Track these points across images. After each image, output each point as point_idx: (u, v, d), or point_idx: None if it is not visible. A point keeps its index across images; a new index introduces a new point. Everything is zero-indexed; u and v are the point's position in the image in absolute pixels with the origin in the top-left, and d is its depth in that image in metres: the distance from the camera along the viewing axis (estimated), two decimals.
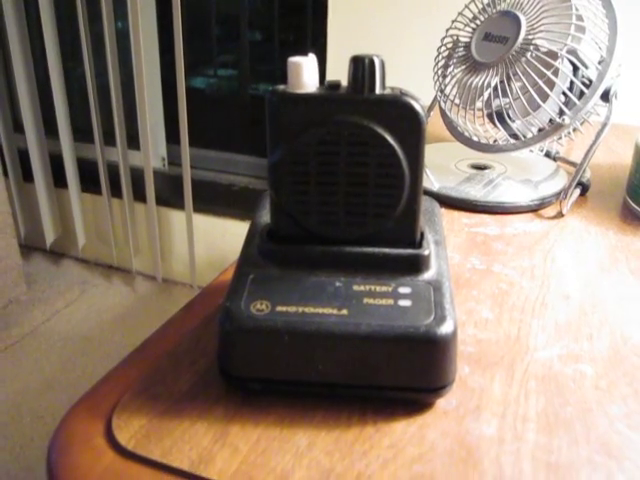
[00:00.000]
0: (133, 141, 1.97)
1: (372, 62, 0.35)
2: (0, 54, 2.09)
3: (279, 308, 0.35)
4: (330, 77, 1.62)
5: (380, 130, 0.35)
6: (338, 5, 1.55)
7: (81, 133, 2.05)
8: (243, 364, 0.35)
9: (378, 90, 0.35)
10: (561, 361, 0.41)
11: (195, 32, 2.05)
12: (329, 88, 0.36)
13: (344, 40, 1.57)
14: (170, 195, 2.02)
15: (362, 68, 0.35)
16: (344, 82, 0.36)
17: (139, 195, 2.00)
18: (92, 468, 0.33)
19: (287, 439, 0.34)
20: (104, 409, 0.37)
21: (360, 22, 1.54)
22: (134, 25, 1.73)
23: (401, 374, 0.34)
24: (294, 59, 0.35)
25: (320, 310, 0.35)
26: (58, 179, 2.11)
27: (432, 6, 1.45)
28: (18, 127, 2.14)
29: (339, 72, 1.60)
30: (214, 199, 1.99)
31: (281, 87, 0.36)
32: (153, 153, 2.07)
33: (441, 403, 0.36)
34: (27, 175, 2.13)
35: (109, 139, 1.97)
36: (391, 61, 1.50)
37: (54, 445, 0.35)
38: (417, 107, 0.35)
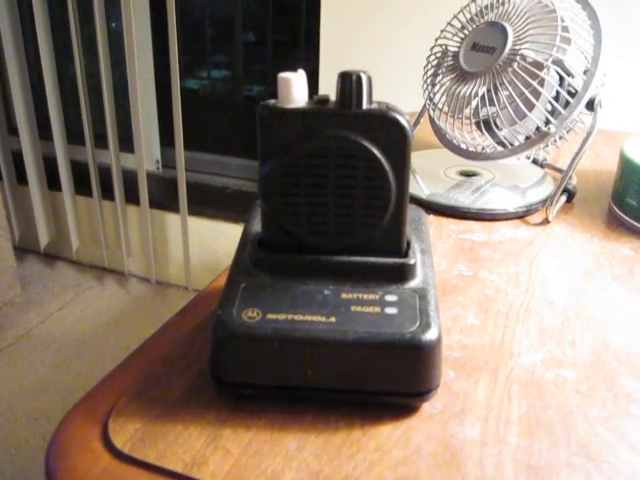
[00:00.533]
0: (128, 144, 1.98)
1: (359, 78, 0.36)
2: None
3: (270, 316, 0.36)
4: (322, 79, 1.63)
5: (367, 144, 0.36)
6: (331, 7, 1.56)
7: (75, 136, 2.06)
8: (235, 370, 0.37)
9: (365, 105, 0.36)
10: (544, 366, 0.42)
11: (189, 33, 2.06)
12: (318, 103, 0.37)
13: (337, 41, 1.58)
14: (164, 198, 2.03)
15: (350, 84, 0.36)
16: (333, 96, 0.38)
17: (134, 198, 2.00)
18: (89, 471, 0.34)
19: (277, 442, 0.35)
20: (100, 413, 0.38)
21: (353, 24, 1.55)
22: (127, 26, 1.73)
23: (387, 379, 0.36)
24: (284, 75, 0.36)
25: (309, 318, 0.36)
26: (52, 182, 2.11)
27: (423, 12, 1.46)
28: (12, 130, 2.14)
29: (331, 75, 1.61)
30: (208, 202, 2.00)
31: (272, 102, 0.37)
32: (147, 156, 2.08)
33: (426, 407, 0.38)
34: (21, 178, 2.14)
35: (104, 142, 1.97)
36: (382, 64, 1.52)
37: (52, 448, 0.36)
38: (403, 121, 0.36)
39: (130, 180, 1.99)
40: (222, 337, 0.36)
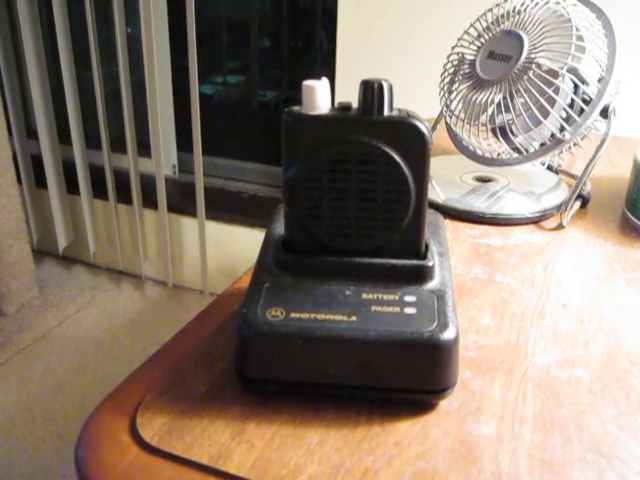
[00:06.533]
0: (146, 148, 2.00)
1: (381, 86, 0.37)
2: (14, 61, 2.13)
3: (293, 315, 0.37)
4: (338, 85, 1.64)
5: (388, 149, 0.38)
6: (347, 14, 1.58)
7: (94, 140, 2.09)
8: (259, 367, 0.38)
9: (386, 112, 0.38)
10: (557, 366, 0.43)
11: (204, 39, 2.08)
12: (341, 109, 0.39)
13: (353, 47, 1.60)
14: (181, 202, 2.04)
15: (371, 92, 0.37)
16: (354, 103, 0.39)
17: (151, 202, 2.03)
18: (118, 462, 0.35)
19: (300, 436, 0.36)
20: (128, 408, 0.39)
21: (369, 31, 1.56)
22: (146, 32, 1.75)
23: (406, 377, 0.37)
24: (308, 83, 0.38)
25: (331, 317, 0.37)
26: (71, 185, 2.14)
27: (439, 20, 1.47)
28: (32, 134, 2.17)
29: (347, 81, 1.62)
30: (224, 206, 2.02)
31: (296, 108, 0.39)
32: (164, 160, 2.10)
33: (443, 404, 0.39)
34: (40, 181, 2.16)
35: (123, 146, 2.00)
36: (398, 70, 1.53)
37: (82, 441, 0.37)
38: (423, 128, 0.38)
39: (147, 184, 2.01)
40: (247, 335, 0.37)
